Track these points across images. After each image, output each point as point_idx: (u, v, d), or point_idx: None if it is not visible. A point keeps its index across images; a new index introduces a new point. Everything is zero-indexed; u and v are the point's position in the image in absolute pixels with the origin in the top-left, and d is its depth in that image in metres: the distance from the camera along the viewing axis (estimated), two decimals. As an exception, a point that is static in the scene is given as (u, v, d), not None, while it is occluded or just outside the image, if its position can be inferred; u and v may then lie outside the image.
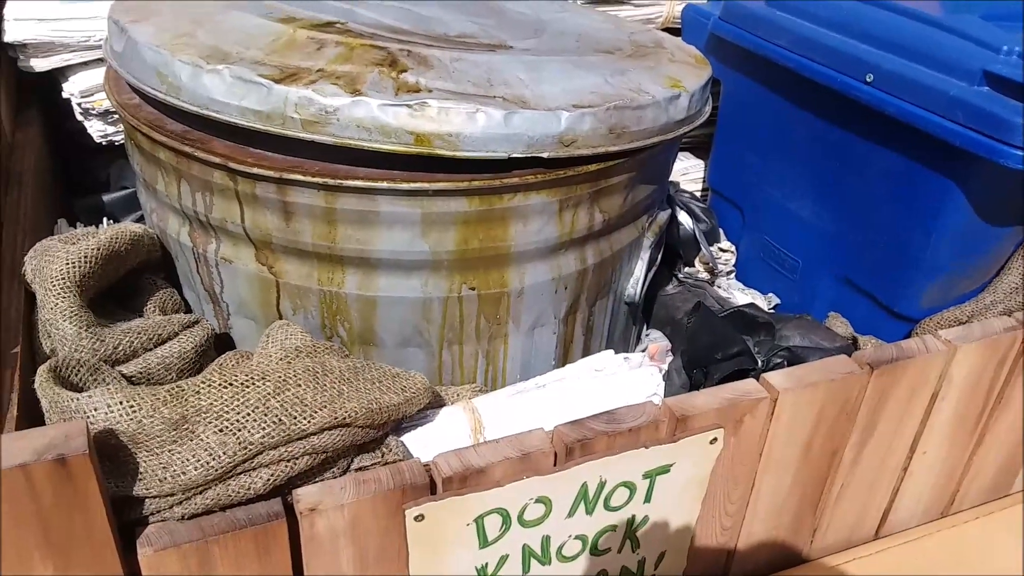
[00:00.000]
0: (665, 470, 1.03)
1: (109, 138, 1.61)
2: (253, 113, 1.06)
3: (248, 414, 0.87)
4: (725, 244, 1.84)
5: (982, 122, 1.24)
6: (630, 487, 1.02)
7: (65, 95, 1.58)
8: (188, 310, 1.29)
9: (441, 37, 1.29)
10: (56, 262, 1.05)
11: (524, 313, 1.23)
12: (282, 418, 0.88)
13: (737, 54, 1.67)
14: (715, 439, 1.03)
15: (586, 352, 1.37)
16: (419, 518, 0.91)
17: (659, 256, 1.45)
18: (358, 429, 0.93)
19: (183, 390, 0.89)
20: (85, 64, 1.58)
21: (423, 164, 1.07)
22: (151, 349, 1.06)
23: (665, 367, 1.43)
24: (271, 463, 0.87)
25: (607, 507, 1.02)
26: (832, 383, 1.07)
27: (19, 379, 0.99)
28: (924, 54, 1.34)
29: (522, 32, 1.38)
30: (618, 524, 1.05)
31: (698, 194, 1.99)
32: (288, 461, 0.88)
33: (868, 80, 1.38)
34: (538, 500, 0.97)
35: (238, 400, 0.88)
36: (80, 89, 1.56)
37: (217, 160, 1.08)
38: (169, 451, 0.85)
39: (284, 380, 0.92)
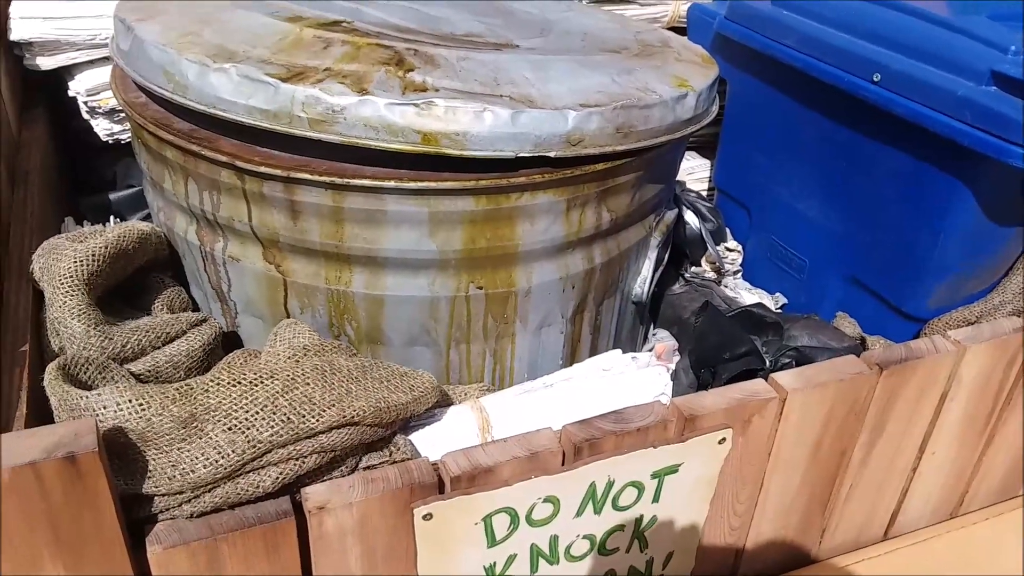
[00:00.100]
0: (673, 470, 1.02)
1: (115, 136, 1.61)
2: (260, 112, 1.06)
3: (257, 412, 0.87)
4: (732, 243, 1.84)
5: (990, 122, 1.24)
6: (638, 487, 1.02)
7: (71, 93, 1.58)
8: (195, 308, 1.29)
9: (447, 36, 1.29)
10: (64, 260, 1.05)
11: (531, 312, 1.23)
12: (291, 416, 0.88)
13: (743, 54, 1.67)
14: (724, 439, 1.03)
15: (593, 351, 1.37)
16: (427, 517, 0.90)
17: (666, 255, 1.45)
18: (366, 428, 0.93)
19: (192, 388, 0.89)
20: (91, 62, 1.58)
21: (430, 163, 1.07)
22: (159, 347, 1.06)
23: (672, 367, 1.43)
24: (280, 461, 0.87)
25: (615, 507, 1.02)
26: (841, 383, 1.07)
27: (28, 377, 0.99)
28: (931, 54, 1.33)
29: (528, 31, 1.38)
30: (626, 524, 1.05)
31: (704, 193, 1.99)
32: (297, 459, 0.88)
33: (875, 80, 1.38)
34: (546, 499, 0.96)
35: (247, 398, 0.88)
36: (86, 87, 1.56)
37: (224, 159, 1.08)
38: (178, 449, 0.85)
39: (293, 379, 0.92)
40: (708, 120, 1.29)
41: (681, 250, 1.73)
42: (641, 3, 1.90)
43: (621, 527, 1.05)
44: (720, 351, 1.35)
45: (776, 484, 1.13)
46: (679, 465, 1.02)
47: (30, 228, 1.27)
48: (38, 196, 1.36)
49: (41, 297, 1.09)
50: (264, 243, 1.16)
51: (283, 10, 1.28)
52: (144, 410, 0.85)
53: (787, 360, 1.35)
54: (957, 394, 1.20)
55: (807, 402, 1.06)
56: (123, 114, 1.58)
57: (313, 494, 0.86)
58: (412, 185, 1.06)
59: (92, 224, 1.43)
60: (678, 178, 1.84)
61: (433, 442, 1.03)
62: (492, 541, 0.96)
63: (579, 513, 1.00)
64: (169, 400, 0.87)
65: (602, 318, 1.35)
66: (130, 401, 0.85)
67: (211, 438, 0.85)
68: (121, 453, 0.84)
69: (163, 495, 0.83)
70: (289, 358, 1.01)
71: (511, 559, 0.99)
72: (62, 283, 1.03)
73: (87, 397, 0.85)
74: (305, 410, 0.89)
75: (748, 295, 1.75)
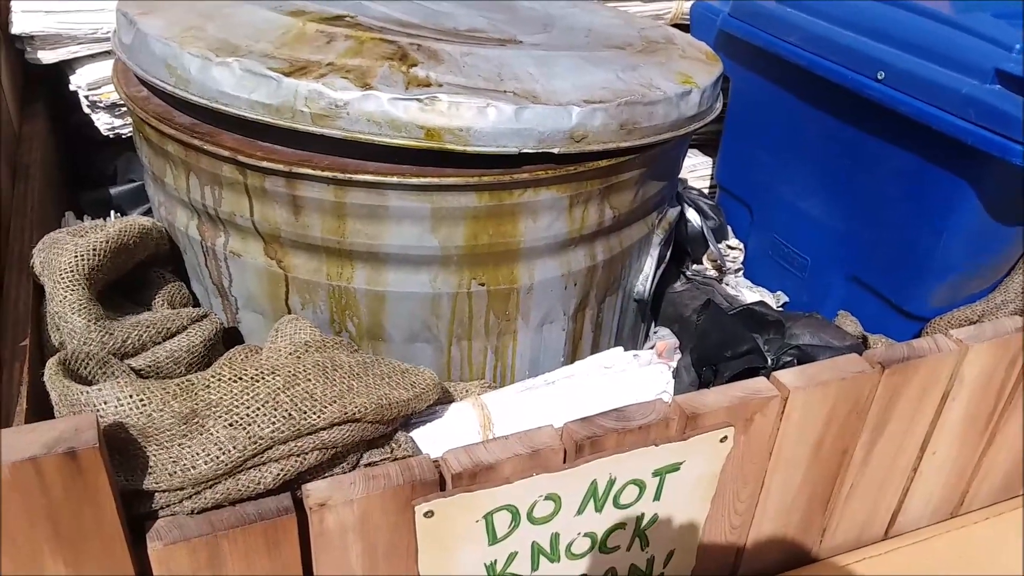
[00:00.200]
0: (675, 468, 1.02)
1: (116, 131, 1.61)
2: (263, 106, 1.05)
3: (258, 408, 0.87)
4: (733, 241, 1.84)
5: (994, 120, 1.24)
6: (640, 485, 1.02)
7: (72, 88, 1.57)
8: (196, 304, 1.29)
9: (451, 31, 1.29)
10: (65, 255, 1.05)
11: (533, 309, 1.23)
12: (292, 413, 0.87)
13: (746, 51, 1.66)
14: (725, 437, 1.03)
15: (595, 349, 1.37)
16: (428, 514, 0.90)
17: (668, 253, 1.45)
18: (368, 424, 0.92)
19: (193, 384, 0.89)
20: (92, 56, 1.58)
21: (433, 159, 1.07)
22: (160, 343, 1.06)
23: (673, 364, 1.43)
24: (281, 458, 0.87)
25: (616, 505, 1.02)
26: (843, 382, 1.07)
27: (28, 372, 0.99)
28: (936, 52, 1.33)
29: (532, 27, 1.38)
30: (627, 522, 1.05)
31: (706, 191, 1.98)
32: (298, 456, 0.88)
33: (879, 78, 1.38)
34: (547, 497, 0.96)
35: (248, 394, 0.88)
36: (87, 81, 1.56)
37: (226, 153, 1.08)
38: (179, 445, 0.84)
39: (294, 375, 0.91)
40: (712, 117, 1.29)
41: (683, 248, 1.72)
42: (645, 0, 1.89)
43: (622, 525, 1.05)
44: (722, 349, 1.35)
45: (777, 483, 1.13)
46: (680, 463, 1.02)
47: (30, 222, 1.27)
48: (39, 190, 1.36)
49: (41, 292, 1.08)
50: (266, 238, 1.16)
51: (286, 4, 1.28)
52: (145, 406, 0.85)
53: (789, 359, 1.35)
54: (959, 393, 1.19)
55: (809, 401, 1.06)
56: (124, 108, 1.57)
57: (314, 491, 0.86)
58: (415, 181, 1.06)
59: (92, 219, 1.43)
60: (680, 176, 1.84)
61: (434, 439, 1.03)
62: (493, 539, 0.96)
63: (580, 511, 1.00)
64: (170, 396, 0.86)
65: (604, 315, 1.35)
66: (131, 396, 0.85)
67: (212, 434, 0.85)
68: (122, 449, 0.84)
69: (164, 491, 0.83)
70: (290, 354, 1.00)
71: (512, 557, 0.99)
72: (63, 278, 1.03)
73: (88, 392, 0.84)
74: (306, 406, 0.88)
75: (749, 293, 1.75)
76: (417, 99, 1.04)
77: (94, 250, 1.06)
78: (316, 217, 1.11)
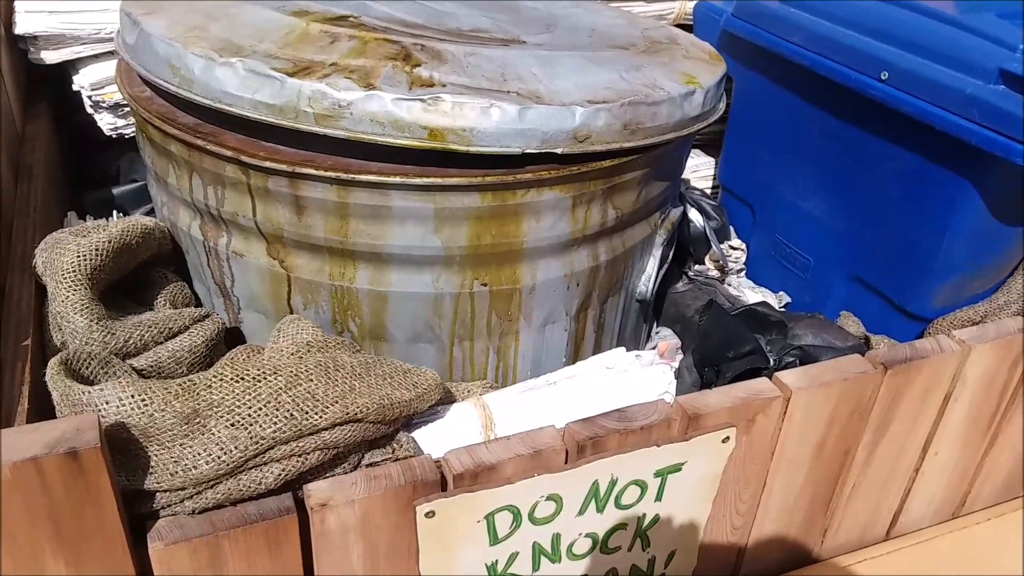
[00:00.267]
0: (677, 469, 1.02)
1: (119, 131, 1.61)
2: (266, 106, 1.05)
3: (260, 408, 0.87)
4: (735, 242, 1.83)
5: (998, 121, 1.23)
6: (641, 485, 1.01)
7: (75, 88, 1.57)
8: (198, 304, 1.29)
9: (454, 31, 1.29)
10: (67, 255, 1.05)
11: (536, 309, 1.23)
12: (294, 413, 0.87)
13: (750, 51, 1.66)
14: (727, 438, 1.03)
15: (597, 349, 1.37)
16: (430, 514, 0.90)
17: (671, 253, 1.44)
18: (369, 425, 0.92)
19: (195, 384, 0.89)
20: (96, 57, 1.58)
21: (436, 159, 1.07)
22: (162, 343, 1.06)
23: (675, 365, 1.42)
24: (282, 458, 0.87)
25: (618, 505, 1.02)
26: (846, 382, 1.07)
27: (30, 372, 0.99)
28: (939, 52, 1.33)
29: (535, 27, 1.38)
30: (629, 522, 1.05)
31: (708, 191, 1.98)
32: (299, 456, 0.88)
33: (883, 78, 1.37)
34: (549, 498, 0.96)
35: (250, 394, 0.88)
36: (91, 82, 1.56)
37: (229, 154, 1.08)
38: (180, 445, 0.84)
39: (296, 375, 0.91)
40: (715, 117, 1.29)
41: (685, 248, 1.72)
42: (648, 0, 1.89)
43: (623, 526, 1.05)
44: (724, 349, 1.35)
45: (779, 483, 1.13)
46: (682, 464, 1.02)
47: (33, 222, 1.27)
48: (41, 190, 1.36)
49: (44, 292, 1.09)
50: (268, 238, 1.16)
51: (290, 4, 1.28)
52: (147, 406, 0.85)
53: (791, 359, 1.35)
54: (961, 394, 1.19)
55: (811, 401, 1.06)
56: (127, 108, 1.58)
57: (316, 491, 0.86)
58: (418, 181, 1.06)
59: (95, 219, 1.43)
60: (683, 176, 1.84)
61: (436, 439, 1.03)
62: (494, 539, 0.96)
63: (582, 511, 1.00)
64: (172, 396, 0.87)
65: (606, 316, 1.35)
66: (132, 396, 0.85)
67: (214, 434, 0.85)
68: (123, 449, 0.84)
69: (165, 491, 0.83)
70: (292, 354, 1.00)
71: (513, 557, 0.99)
72: (65, 278, 1.03)
73: (89, 392, 0.84)
74: (308, 407, 0.88)
75: (752, 294, 1.75)
76: (420, 99, 1.04)
77: (96, 250, 1.06)
78: (319, 217, 1.11)
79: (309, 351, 1.01)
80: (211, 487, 0.84)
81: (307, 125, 1.04)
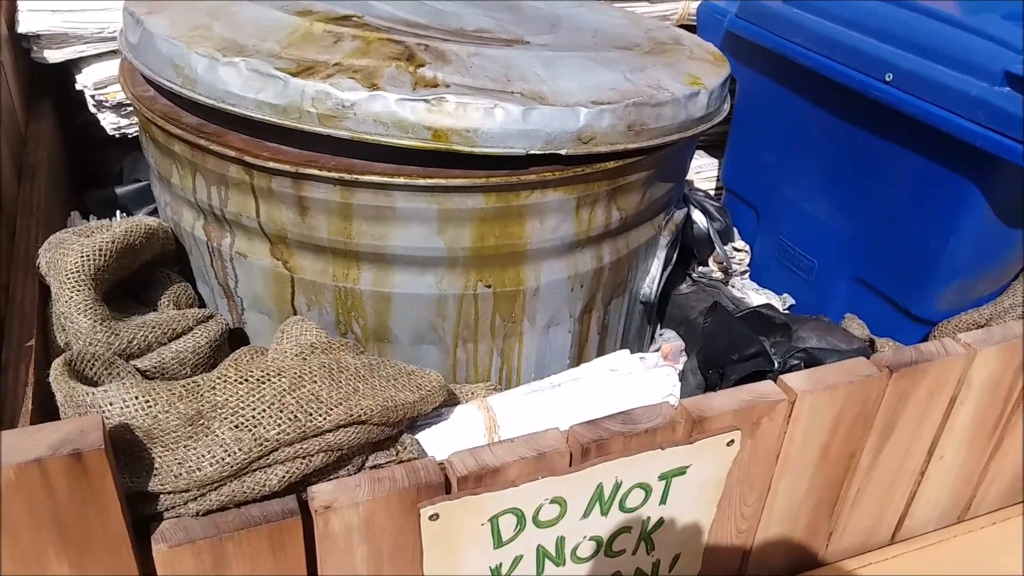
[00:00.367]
0: (681, 472, 1.02)
1: (122, 130, 1.61)
2: (269, 107, 1.05)
3: (264, 410, 0.87)
4: (739, 243, 1.83)
5: (1002, 123, 1.23)
6: (646, 488, 1.01)
7: (78, 87, 1.57)
8: (202, 304, 1.28)
9: (458, 32, 1.28)
10: (71, 255, 1.04)
11: (539, 311, 1.23)
12: (298, 415, 0.87)
13: (753, 52, 1.66)
14: (732, 441, 1.02)
15: (601, 351, 1.36)
16: (434, 517, 0.90)
17: (675, 255, 1.44)
18: (373, 427, 0.92)
19: (199, 385, 0.89)
20: (99, 56, 1.58)
21: (440, 160, 1.06)
22: (165, 343, 1.06)
23: (679, 367, 1.42)
24: (286, 460, 0.87)
25: (622, 508, 1.02)
26: (851, 385, 1.06)
27: (34, 373, 0.99)
28: (944, 53, 1.32)
29: (538, 27, 1.38)
30: (633, 525, 1.04)
31: (712, 192, 1.98)
32: (303, 458, 0.88)
33: (887, 79, 1.37)
34: (553, 500, 0.96)
35: (254, 396, 0.88)
36: (94, 81, 1.56)
37: (233, 154, 1.08)
38: (184, 447, 0.84)
39: (300, 376, 0.91)
40: (720, 118, 1.28)
41: (688, 250, 1.72)
42: (651, 0, 1.89)
43: (628, 529, 1.04)
44: (728, 352, 1.34)
45: (784, 487, 1.12)
46: (687, 467, 1.02)
47: (36, 222, 1.27)
48: (44, 190, 1.36)
49: (47, 292, 1.08)
50: (272, 239, 1.15)
51: (294, 4, 1.27)
52: (151, 407, 0.84)
53: (796, 362, 1.35)
54: (967, 397, 1.19)
55: (816, 404, 1.05)
56: (130, 108, 1.57)
57: (319, 493, 0.85)
58: (421, 182, 1.05)
59: (98, 219, 1.43)
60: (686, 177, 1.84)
61: (440, 441, 1.03)
62: (498, 542, 0.96)
63: (586, 514, 0.99)
64: (176, 397, 0.86)
65: (610, 318, 1.34)
66: (136, 398, 0.85)
67: (218, 436, 0.85)
68: (127, 450, 0.83)
69: (169, 493, 0.83)
70: (296, 355, 1.00)
71: (517, 560, 0.99)
72: (68, 278, 1.02)
73: (93, 394, 0.84)
74: (312, 408, 0.88)
75: (756, 295, 1.75)
76: (424, 100, 1.03)
77: (100, 250, 1.06)
78: (322, 218, 1.10)
79: (313, 352, 1.01)
80: (215, 489, 0.84)
81: (311, 125, 1.04)
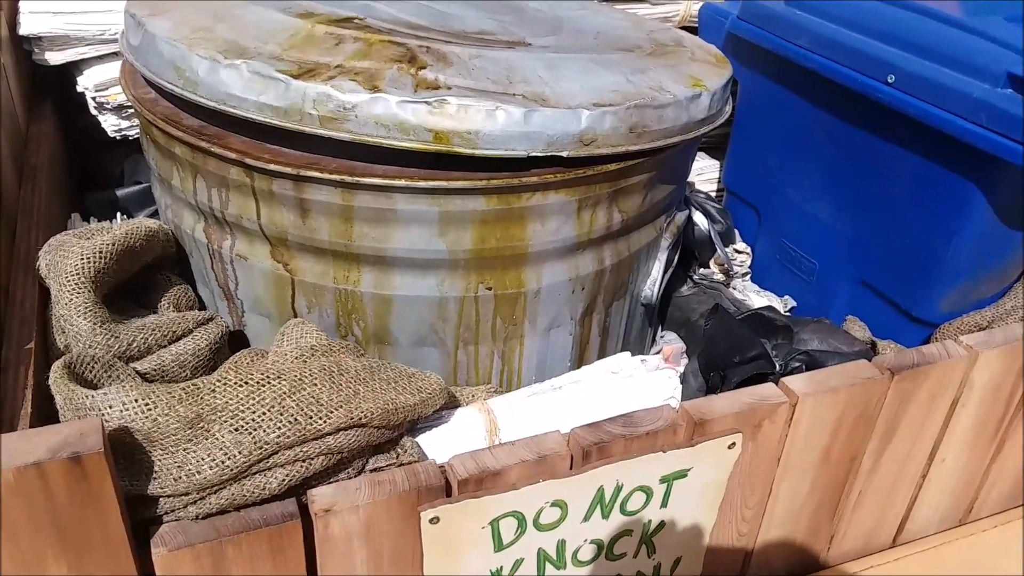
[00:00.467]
0: (682, 475, 1.02)
1: (123, 132, 1.61)
2: (271, 109, 1.05)
3: (264, 413, 0.87)
4: (740, 245, 1.83)
5: (1004, 124, 1.23)
6: (647, 491, 1.01)
7: (79, 89, 1.57)
8: (202, 307, 1.28)
9: (460, 34, 1.28)
10: (71, 257, 1.04)
11: (540, 314, 1.22)
12: (298, 418, 0.87)
13: (755, 54, 1.66)
14: (733, 444, 1.02)
15: (602, 353, 1.36)
16: (434, 520, 0.90)
17: (676, 257, 1.44)
18: (374, 430, 0.92)
19: (199, 388, 0.88)
20: (100, 58, 1.58)
21: (441, 162, 1.06)
22: (165, 346, 1.06)
23: (680, 369, 1.42)
24: (286, 463, 0.87)
25: (623, 511, 1.01)
26: (853, 388, 1.06)
27: (33, 375, 0.99)
28: (946, 55, 1.32)
29: (541, 29, 1.37)
30: (634, 528, 1.04)
31: (713, 194, 1.98)
32: (303, 461, 0.87)
33: (889, 81, 1.37)
34: (554, 503, 0.96)
35: (254, 399, 0.88)
36: (95, 83, 1.56)
37: (234, 156, 1.08)
38: (184, 450, 0.84)
39: (300, 379, 0.91)
40: (722, 120, 1.28)
41: (689, 251, 1.72)
42: (653, 2, 1.89)
43: (629, 532, 1.04)
44: (730, 354, 1.34)
45: (785, 489, 1.12)
46: (688, 470, 1.01)
47: (37, 223, 1.27)
48: (45, 192, 1.36)
49: (47, 294, 1.08)
50: (272, 241, 1.15)
51: (295, 6, 1.27)
52: (150, 410, 0.84)
53: (797, 364, 1.34)
54: (968, 400, 1.19)
55: (818, 407, 1.05)
56: (131, 110, 1.57)
57: (319, 496, 0.85)
58: (423, 184, 1.05)
59: (99, 220, 1.43)
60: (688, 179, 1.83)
61: (440, 444, 1.03)
62: (499, 545, 0.96)
63: (587, 517, 0.99)
64: (175, 400, 0.86)
65: (611, 320, 1.34)
66: (136, 401, 0.84)
67: (217, 439, 0.85)
68: (127, 453, 0.83)
69: (168, 496, 0.83)
70: (296, 358, 1.00)
71: (518, 563, 0.99)
72: (68, 280, 1.02)
73: (93, 396, 0.84)
74: (312, 411, 0.88)
75: (757, 298, 1.74)
76: (426, 102, 1.03)
77: (100, 253, 1.06)
78: (323, 220, 1.10)
79: (313, 355, 1.01)
80: (215, 492, 0.84)
81: (312, 127, 1.04)
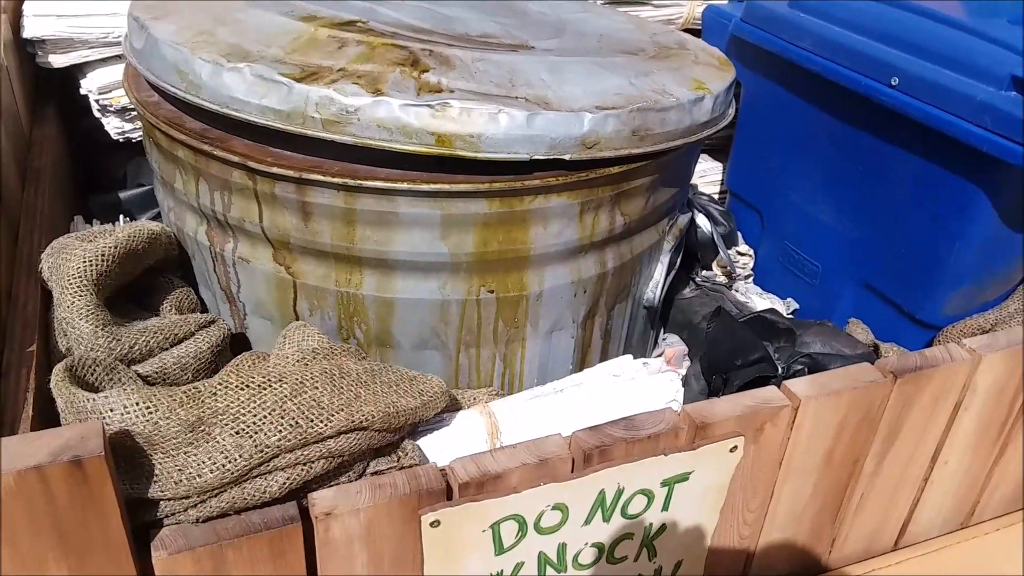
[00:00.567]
0: (684, 478, 1.01)
1: (126, 135, 1.61)
2: (273, 112, 1.05)
3: (265, 416, 0.87)
4: (743, 247, 1.83)
5: (1009, 127, 1.23)
6: (648, 495, 1.01)
7: (83, 91, 1.57)
8: (204, 309, 1.28)
9: (462, 37, 1.28)
10: (73, 260, 1.04)
11: (542, 317, 1.22)
12: (299, 421, 0.87)
13: (758, 56, 1.65)
14: (735, 447, 1.02)
15: (604, 356, 1.36)
16: (435, 524, 0.90)
17: (679, 260, 1.44)
18: (375, 433, 0.92)
19: (200, 391, 0.89)
20: (103, 61, 1.58)
21: (444, 165, 1.06)
22: (167, 349, 1.06)
23: (682, 371, 1.42)
24: (287, 466, 0.87)
25: (624, 515, 1.01)
26: (855, 391, 1.06)
27: (34, 378, 0.99)
28: (950, 58, 1.32)
29: (544, 32, 1.37)
30: (635, 532, 1.04)
31: (716, 196, 1.97)
32: (304, 464, 0.87)
33: (893, 84, 1.37)
34: (555, 507, 0.96)
35: (255, 402, 0.88)
36: (98, 86, 1.56)
37: (236, 159, 1.08)
38: (185, 453, 0.84)
39: (301, 382, 0.91)
40: (725, 123, 1.28)
41: (692, 254, 1.71)
42: (655, 4, 1.88)
43: (630, 535, 1.04)
44: (732, 357, 1.34)
45: (787, 493, 1.12)
46: (690, 473, 1.01)
47: (39, 226, 1.27)
48: (48, 194, 1.36)
49: (50, 297, 1.08)
50: (275, 244, 1.15)
51: (298, 9, 1.27)
52: (151, 413, 0.84)
53: (799, 367, 1.34)
54: (972, 403, 1.18)
55: (820, 410, 1.05)
56: (134, 113, 1.57)
57: (320, 500, 0.85)
58: (425, 187, 1.05)
59: (102, 223, 1.43)
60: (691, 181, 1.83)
61: (441, 447, 1.03)
62: (500, 548, 0.96)
63: (588, 521, 0.99)
64: (176, 403, 0.86)
65: (613, 323, 1.34)
66: (137, 404, 0.84)
67: (218, 442, 0.85)
68: (127, 457, 0.83)
69: (169, 500, 0.83)
70: (298, 361, 1.00)
71: (518, 567, 0.99)
72: (71, 283, 1.02)
73: (94, 400, 0.84)
74: (313, 414, 0.88)
75: (760, 300, 1.74)
76: (428, 105, 1.03)
77: (102, 256, 1.06)
78: (326, 223, 1.10)
79: (315, 358, 1.01)
80: (215, 496, 0.84)
81: (314, 131, 1.04)
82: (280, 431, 0.86)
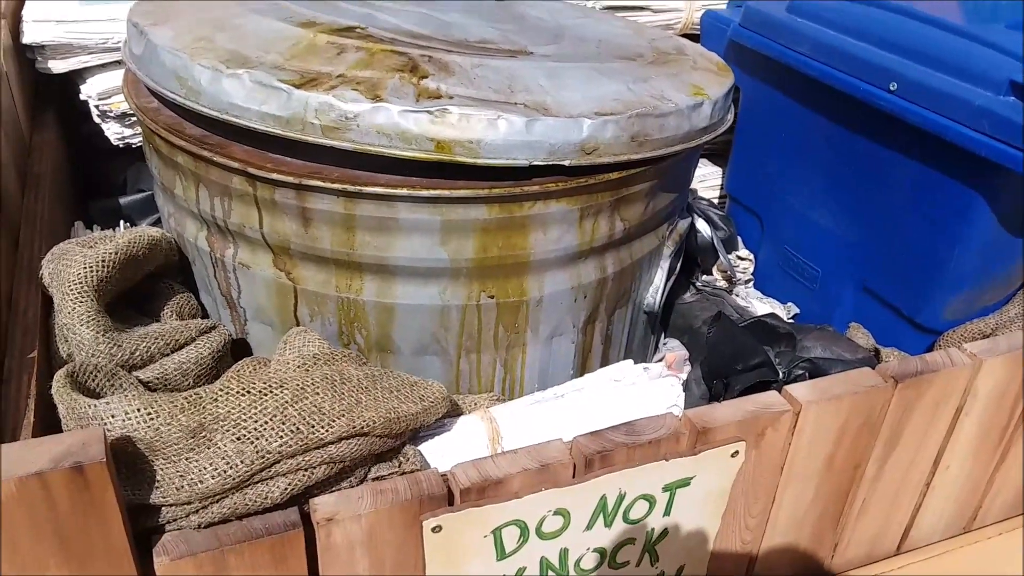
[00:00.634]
0: (685, 483, 1.01)
1: (126, 141, 1.61)
2: (273, 118, 1.05)
3: (266, 422, 0.87)
4: (743, 252, 1.83)
5: (1007, 132, 1.23)
6: (649, 500, 1.01)
7: (82, 97, 1.58)
8: (205, 315, 1.28)
9: (462, 43, 1.28)
10: (74, 266, 1.04)
11: (543, 322, 1.22)
12: (300, 427, 0.87)
13: (757, 61, 1.66)
14: (736, 452, 1.02)
15: (604, 362, 1.36)
16: (436, 529, 0.90)
17: (679, 265, 1.44)
18: (376, 438, 0.92)
19: (201, 397, 0.89)
20: (103, 66, 1.58)
21: (443, 171, 1.06)
22: (168, 354, 1.06)
23: (683, 377, 1.42)
24: (288, 472, 0.87)
25: (626, 520, 1.01)
26: (856, 396, 1.06)
27: (36, 384, 0.99)
28: (949, 63, 1.32)
29: (542, 38, 1.37)
30: (637, 537, 1.04)
31: (716, 201, 1.98)
32: (305, 470, 0.87)
33: (892, 89, 1.37)
34: (556, 512, 0.95)
35: (256, 408, 0.88)
36: (98, 91, 1.56)
37: (236, 165, 1.08)
38: (186, 459, 0.84)
39: (302, 388, 0.91)
40: (724, 129, 1.28)
41: (692, 258, 1.72)
42: (654, 9, 1.89)
43: (632, 540, 1.04)
44: (733, 362, 1.34)
45: (789, 498, 1.12)
46: (691, 478, 1.01)
47: (40, 232, 1.27)
48: (48, 200, 1.36)
49: (50, 303, 1.08)
50: (275, 250, 1.15)
51: (297, 15, 1.28)
52: (153, 419, 0.84)
53: (800, 372, 1.34)
54: (972, 408, 1.18)
55: (821, 415, 1.05)
56: (134, 118, 1.58)
57: (321, 505, 0.85)
58: (425, 193, 1.05)
59: (102, 229, 1.43)
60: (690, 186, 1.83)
61: (443, 453, 1.03)
62: (501, 554, 0.96)
63: (589, 526, 0.99)
64: (178, 409, 0.86)
65: (613, 328, 1.34)
66: (138, 410, 0.84)
67: (220, 448, 0.85)
68: (129, 463, 0.83)
69: (171, 506, 0.83)
70: (299, 367, 1.00)
71: (520, 572, 0.99)
72: (71, 289, 1.02)
73: (95, 406, 0.84)
74: (314, 420, 0.88)
75: (760, 304, 1.74)
76: (427, 111, 1.03)
77: (103, 261, 1.06)
78: (326, 229, 1.10)
79: (315, 364, 1.01)
80: (217, 501, 0.84)
81: (314, 137, 1.04)
82: (281, 437, 0.86)
